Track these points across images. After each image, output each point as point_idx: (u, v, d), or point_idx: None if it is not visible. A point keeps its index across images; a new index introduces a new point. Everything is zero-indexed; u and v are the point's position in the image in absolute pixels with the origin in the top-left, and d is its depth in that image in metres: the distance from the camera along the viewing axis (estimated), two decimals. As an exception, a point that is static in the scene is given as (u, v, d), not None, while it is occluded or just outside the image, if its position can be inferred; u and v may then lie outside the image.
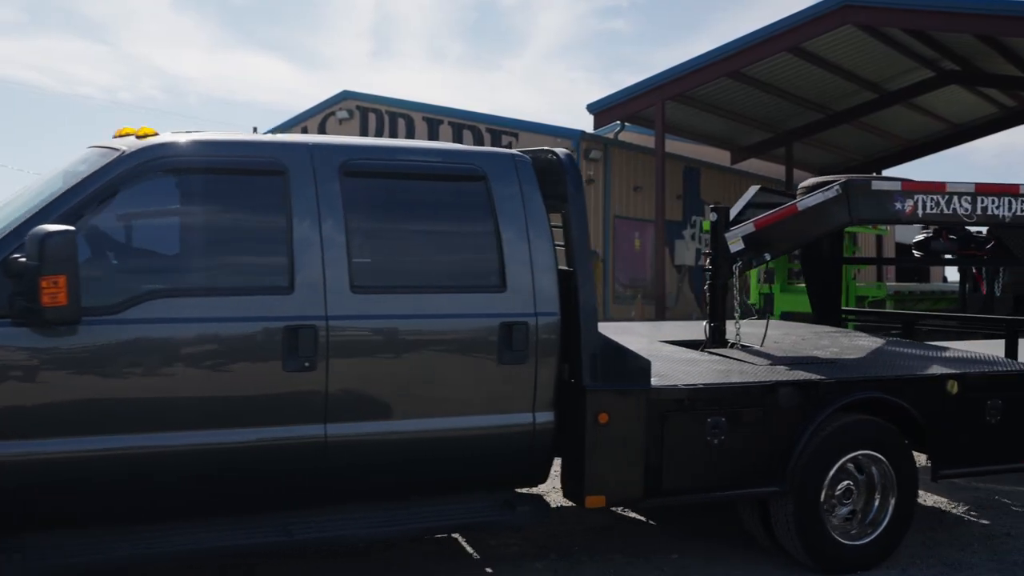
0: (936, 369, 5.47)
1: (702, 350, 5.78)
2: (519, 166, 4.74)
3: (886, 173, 31.36)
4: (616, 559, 5.05)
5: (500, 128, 22.09)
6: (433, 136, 23.07)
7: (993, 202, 5.99)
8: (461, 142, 22.56)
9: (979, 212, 6.01)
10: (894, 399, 5.18)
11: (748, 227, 5.90)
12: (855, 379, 5.21)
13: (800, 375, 5.07)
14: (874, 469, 5.16)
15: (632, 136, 23.94)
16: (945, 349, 6.55)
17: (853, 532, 5.13)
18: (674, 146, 23.71)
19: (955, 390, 5.33)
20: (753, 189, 6.84)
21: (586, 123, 21.55)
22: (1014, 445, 5.58)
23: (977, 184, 6.03)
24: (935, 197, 5.92)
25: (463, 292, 4.51)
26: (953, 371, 5.42)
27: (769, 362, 5.43)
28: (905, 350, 6.36)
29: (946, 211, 5.97)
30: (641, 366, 4.64)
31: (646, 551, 5.22)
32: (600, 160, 21.02)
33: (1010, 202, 5.99)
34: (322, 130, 25.69)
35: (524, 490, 4.85)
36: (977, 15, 16.71)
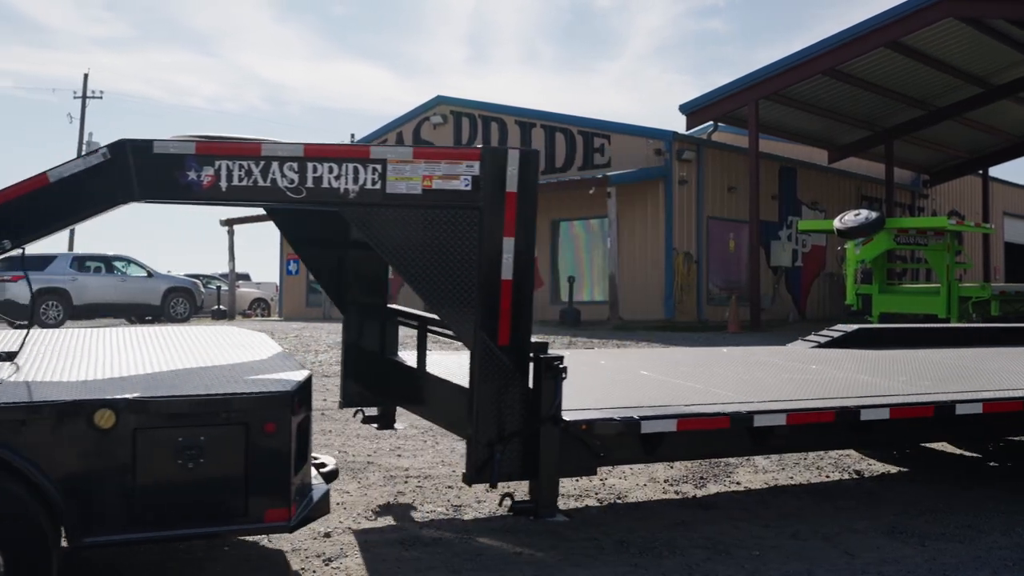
0: (79, 394, 3.83)
1: None
2: None
3: (994, 171, 30.43)
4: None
5: (592, 130, 22.11)
6: (526, 140, 23.23)
7: (331, 170, 4.47)
8: (553, 145, 22.67)
9: (311, 184, 4.46)
10: None
11: None
12: None
13: None
14: None
15: (726, 136, 23.70)
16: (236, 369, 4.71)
17: None
18: (769, 145, 23.39)
19: (109, 423, 3.75)
20: (105, 148, 4.37)
21: (682, 124, 21.46)
22: (223, 498, 3.93)
23: (307, 145, 4.54)
24: (246, 163, 4.37)
25: None
26: (105, 396, 3.78)
27: None
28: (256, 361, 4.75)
29: (262, 183, 4.42)
30: None
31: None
32: (693, 161, 20.86)
33: (356, 171, 4.48)
34: (417, 135, 26.08)
35: None
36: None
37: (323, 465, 4.78)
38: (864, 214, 17.13)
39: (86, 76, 51.96)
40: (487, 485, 4.70)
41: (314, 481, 4.43)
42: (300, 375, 4.20)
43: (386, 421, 6.32)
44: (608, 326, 18.32)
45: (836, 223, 16.83)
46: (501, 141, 23.81)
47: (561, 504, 5.99)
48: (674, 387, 5.78)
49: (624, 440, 4.80)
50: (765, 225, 21.86)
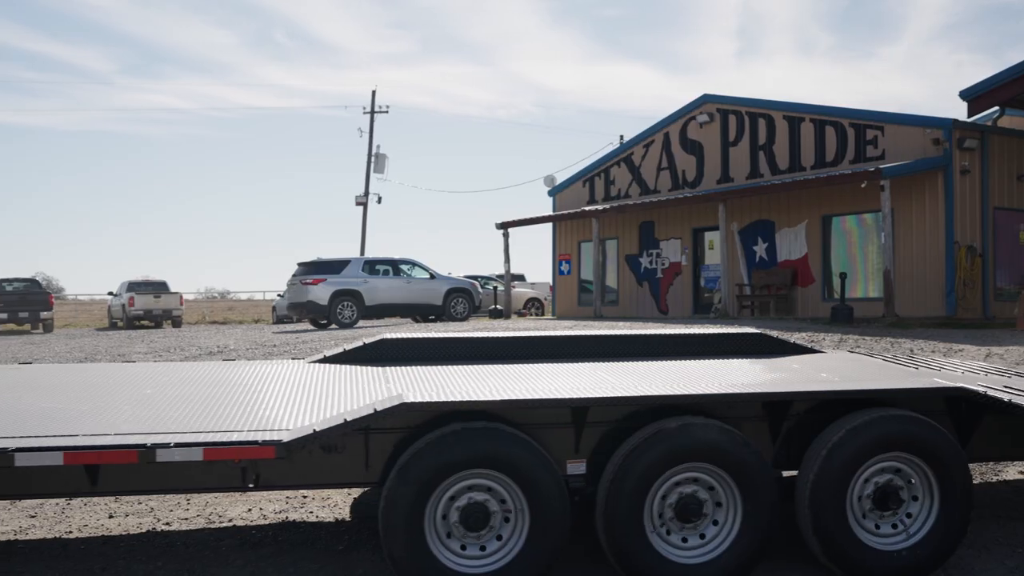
0: None
1: None
2: None
3: None
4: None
5: (864, 122, 21.45)
6: (794, 135, 22.88)
7: None
8: (823, 139, 22.19)
9: None
10: None
11: None
12: None
13: None
14: None
15: (1016, 121, 22.21)
16: None
17: None
18: (1065, 129, 21.69)
19: None
20: None
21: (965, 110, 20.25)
22: None
23: None
24: None
25: None
26: None
27: None
28: None
29: None
30: None
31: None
32: (976, 149, 19.78)
33: None
34: (683, 135, 26.27)
35: None
36: None
37: None
38: None
39: (374, 92, 56.12)
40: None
41: None
42: None
43: None
44: (882, 323, 17.79)
45: None
46: (768, 137, 23.57)
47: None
48: None
49: None
50: (1060, 215, 20.37)
